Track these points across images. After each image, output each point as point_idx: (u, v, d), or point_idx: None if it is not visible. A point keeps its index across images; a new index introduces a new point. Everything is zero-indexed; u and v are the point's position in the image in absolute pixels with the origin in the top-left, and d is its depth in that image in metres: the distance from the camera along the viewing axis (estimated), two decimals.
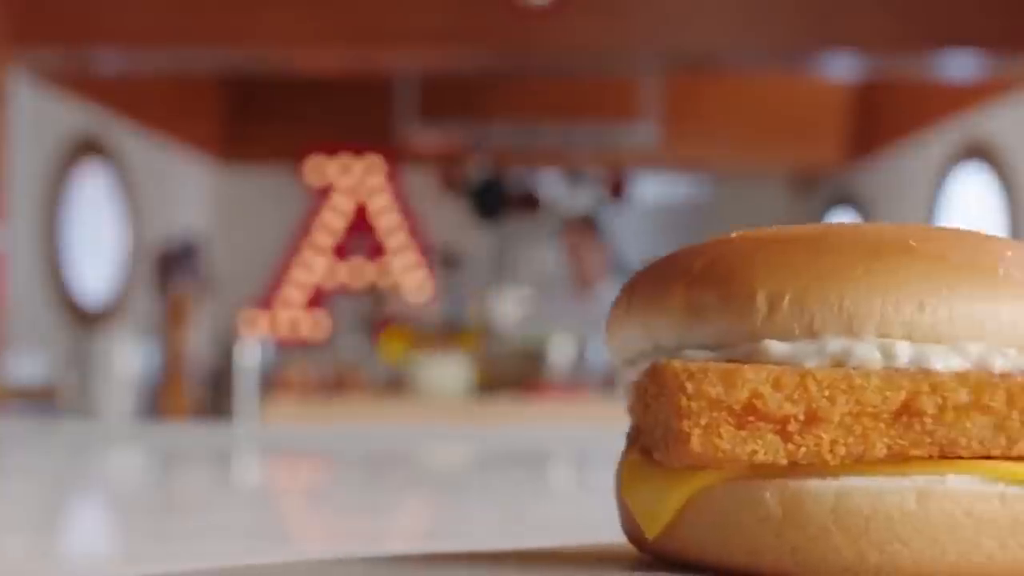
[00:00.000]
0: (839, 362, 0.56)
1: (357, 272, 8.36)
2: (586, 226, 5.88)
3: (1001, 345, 0.56)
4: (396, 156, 8.32)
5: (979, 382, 0.56)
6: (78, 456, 1.98)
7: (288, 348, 7.93)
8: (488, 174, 8.21)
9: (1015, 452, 0.56)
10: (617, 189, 8.48)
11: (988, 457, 0.56)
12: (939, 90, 6.99)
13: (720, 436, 0.55)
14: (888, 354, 0.56)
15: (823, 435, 0.55)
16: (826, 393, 0.55)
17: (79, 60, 6.02)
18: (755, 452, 0.56)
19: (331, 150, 8.34)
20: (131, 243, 7.38)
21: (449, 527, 1.19)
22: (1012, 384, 0.56)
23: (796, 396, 0.55)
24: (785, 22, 5.73)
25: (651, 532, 0.59)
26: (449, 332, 6.38)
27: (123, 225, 7.31)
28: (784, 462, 0.56)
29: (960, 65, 5.89)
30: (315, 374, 6.04)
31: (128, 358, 6.85)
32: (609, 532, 0.69)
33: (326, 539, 1.08)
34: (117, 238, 7.26)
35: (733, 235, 0.62)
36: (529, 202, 8.38)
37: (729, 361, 0.57)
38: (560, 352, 5.45)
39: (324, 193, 8.41)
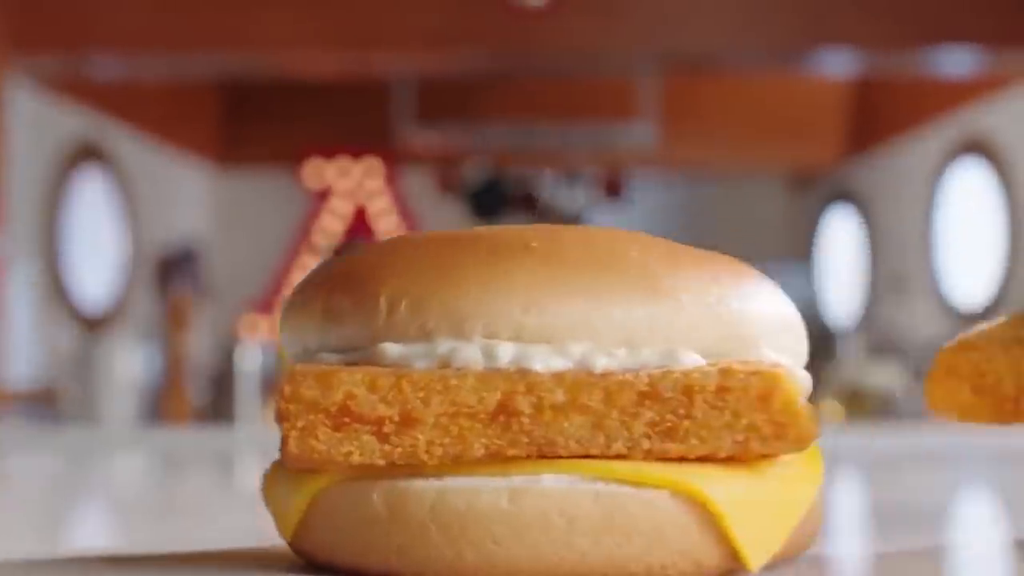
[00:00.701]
0: (446, 363, 0.56)
1: None
2: None
3: (611, 345, 0.56)
4: (394, 158, 8.32)
5: (576, 382, 0.55)
6: (79, 460, 1.98)
7: None
8: (486, 175, 8.21)
9: (614, 451, 0.55)
10: (615, 189, 8.47)
11: (588, 456, 0.56)
12: (936, 86, 6.98)
13: (317, 438, 0.56)
14: (490, 355, 0.56)
15: (419, 436, 0.55)
16: (420, 394, 0.55)
17: (77, 65, 6.02)
18: (351, 453, 0.55)
19: (329, 153, 8.34)
20: (130, 247, 7.38)
21: None
22: (611, 383, 0.55)
23: (391, 397, 0.55)
24: (781, 21, 5.73)
25: (285, 534, 0.60)
26: None
27: (122, 229, 7.31)
28: (381, 463, 0.55)
29: (957, 61, 5.89)
30: None
31: (129, 362, 6.85)
32: None
33: None
34: (116, 242, 7.27)
35: (378, 240, 0.62)
36: (527, 203, 8.37)
37: (351, 364, 0.57)
38: None
39: (322, 196, 8.41)
